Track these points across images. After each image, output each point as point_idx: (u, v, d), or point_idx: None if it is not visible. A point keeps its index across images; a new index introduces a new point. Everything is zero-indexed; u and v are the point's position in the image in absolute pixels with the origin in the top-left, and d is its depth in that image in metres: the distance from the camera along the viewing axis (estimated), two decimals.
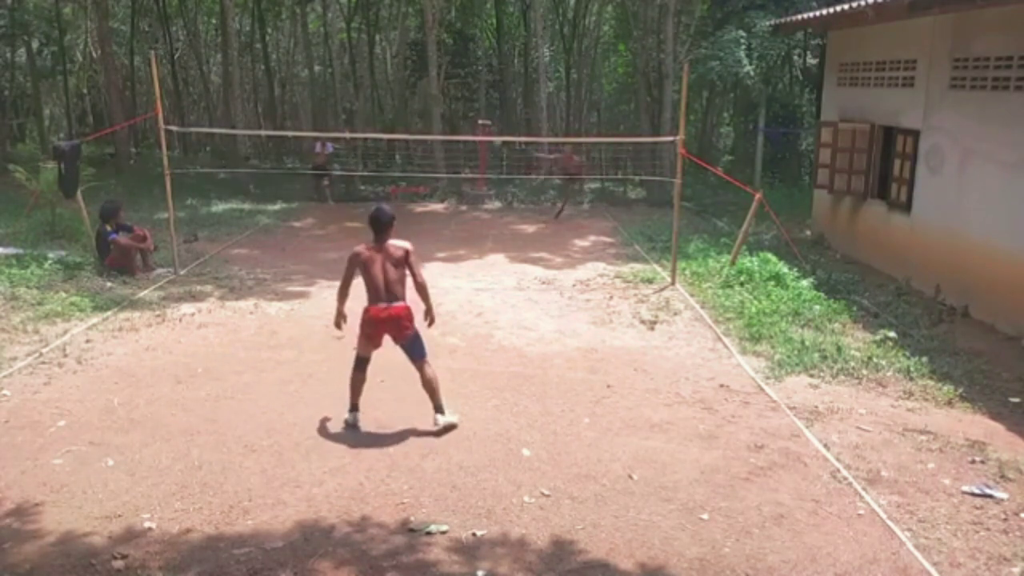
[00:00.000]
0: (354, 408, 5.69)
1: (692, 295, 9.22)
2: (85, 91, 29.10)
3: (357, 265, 5.53)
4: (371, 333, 5.60)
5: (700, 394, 6.33)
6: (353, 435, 5.51)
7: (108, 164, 19.91)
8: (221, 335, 7.75)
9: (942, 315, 8.41)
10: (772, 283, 9.18)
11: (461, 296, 9.29)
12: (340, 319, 5.72)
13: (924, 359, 6.93)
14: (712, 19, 18.93)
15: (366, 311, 5.55)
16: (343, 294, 5.67)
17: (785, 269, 9.59)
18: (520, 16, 24.80)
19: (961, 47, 8.71)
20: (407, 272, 5.55)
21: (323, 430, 5.60)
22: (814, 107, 19.26)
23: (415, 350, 5.64)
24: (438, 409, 5.59)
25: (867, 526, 4.42)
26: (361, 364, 5.67)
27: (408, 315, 5.58)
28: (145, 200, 14.93)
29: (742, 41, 16.17)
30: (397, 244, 5.56)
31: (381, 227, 5.52)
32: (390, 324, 5.54)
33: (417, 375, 5.63)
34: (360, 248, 5.55)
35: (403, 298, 5.56)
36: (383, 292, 5.48)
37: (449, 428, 5.58)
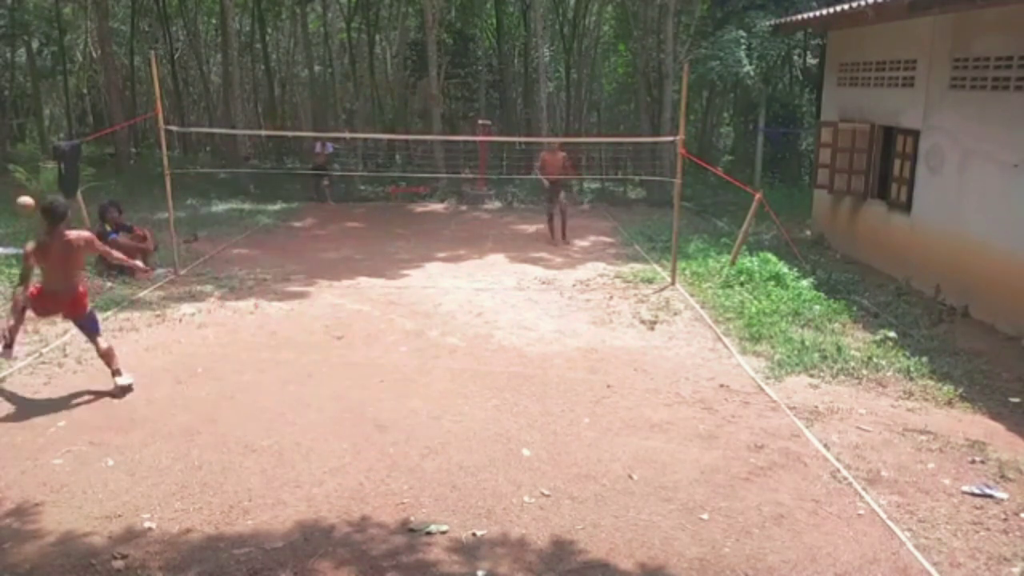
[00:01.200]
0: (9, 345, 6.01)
1: (692, 295, 9.22)
2: (85, 91, 29.11)
3: (33, 255, 5.96)
4: (45, 308, 6.25)
5: (700, 394, 6.33)
6: (353, 435, 5.50)
7: (108, 164, 19.92)
8: (221, 335, 7.75)
9: (942, 315, 8.41)
10: (772, 283, 9.18)
11: (461, 296, 9.29)
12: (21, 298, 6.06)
13: (924, 359, 6.93)
14: (712, 19, 18.93)
15: (40, 292, 6.12)
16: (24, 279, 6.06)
17: (785, 269, 9.59)
18: (520, 16, 24.79)
19: (961, 47, 8.71)
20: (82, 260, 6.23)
21: (323, 430, 5.60)
22: (814, 107, 19.25)
23: (90, 328, 6.27)
24: (116, 373, 6.16)
25: (867, 526, 4.42)
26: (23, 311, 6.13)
27: (82, 299, 6.22)
28: (145, 200, 14.92)
29: (742, 41, 16.16)
30: (76, 234, 6.10)
31: (56, 219, 5.95)
32: (65, 306, 6.21)
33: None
34: (40, 238, 6.02)
35: (79, 285, 6.19)
36: (60, 280, 6.05)
37: (126, 389, 6.13)
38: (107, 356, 6.17)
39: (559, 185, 12.56)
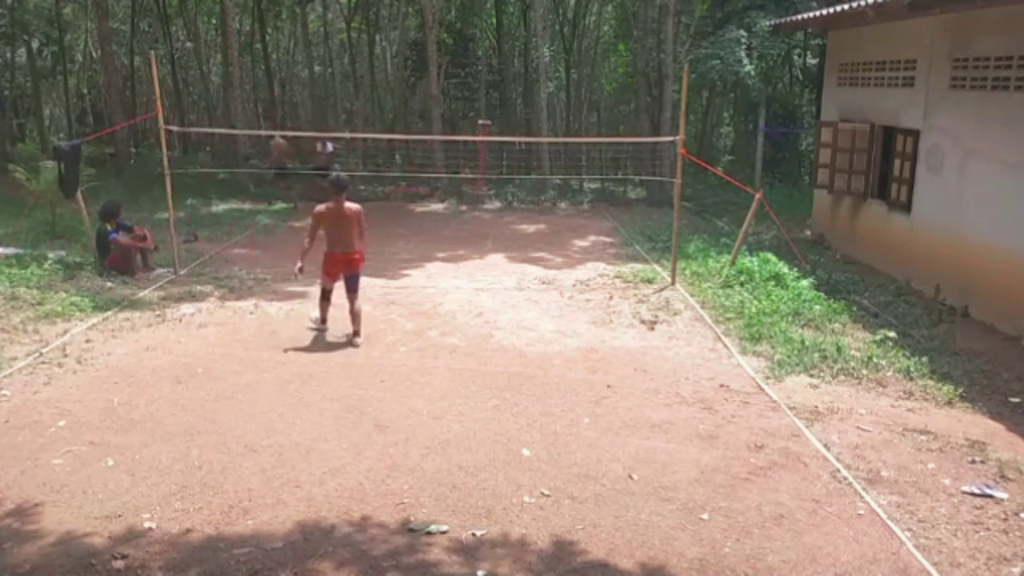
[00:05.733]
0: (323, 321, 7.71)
1: (692, 295, 9.22)
2: (85, 91, 29.15)
3: (321, 221, 7.37)
4: (331, 272, 7.53)
5: (700, 394, 6.33)
6: (353, 435, 5.51)
7: (108, 164, 19.92)
8: (221, 335, 7.75)
9: (942, 315, 8.41)
10: (772, 283, 9.18)
11: (461, 296, 9.29)
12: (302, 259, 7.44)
13: (924, 359, 6.93)
14: (712, 19, 18.94)
15: (329, 255, 7.47)
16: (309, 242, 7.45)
17: (785, 269, 9.58)
18: (520, 16, 24.78)
19: (961, 47, 8.71)
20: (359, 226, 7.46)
21: (323, 430, 5.60)
22: (814, 107, 19.27)
23: (354, 285, 7.55)
24: (356, 334, 7.49)
25: (867, 526, 4.42)
26: (326, 294, 7.66)
27: (361, 259, 7.60)
28: (145, 200, 14.92)
29: (742, 41, 16.17)
30: (351, 206, 7.42)
31: (341, 190, 7.35)
32: (343, 263, 7.46)
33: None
34: (321, 208, 7.36)
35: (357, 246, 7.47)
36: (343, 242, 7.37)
37: (353, 344, 7.39)
38: (356, 315, 7.44)
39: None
